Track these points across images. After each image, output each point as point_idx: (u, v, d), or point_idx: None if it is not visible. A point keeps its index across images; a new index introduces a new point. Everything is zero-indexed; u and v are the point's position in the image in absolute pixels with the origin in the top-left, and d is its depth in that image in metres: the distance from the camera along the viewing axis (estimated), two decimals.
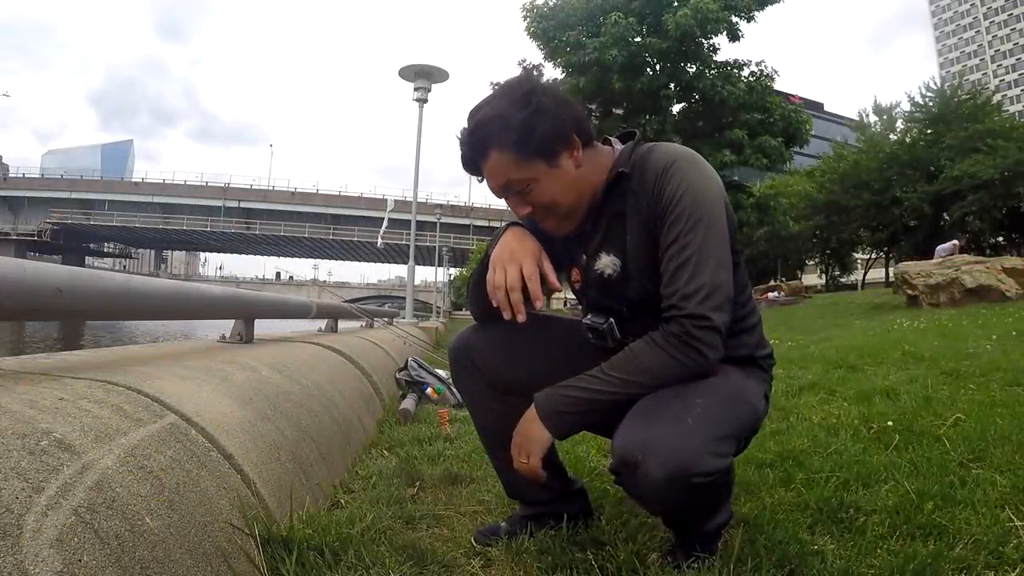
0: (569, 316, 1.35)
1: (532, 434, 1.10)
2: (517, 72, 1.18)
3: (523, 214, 1.14)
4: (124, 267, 66.18)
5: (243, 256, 70.79)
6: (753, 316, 1.22)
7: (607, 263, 1.17)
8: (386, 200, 19.83)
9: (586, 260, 1.20)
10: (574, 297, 1.32)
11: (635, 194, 1.12)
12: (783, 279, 24.25)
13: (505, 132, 1.06)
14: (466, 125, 1.12)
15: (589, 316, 1.23)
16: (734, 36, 17.43)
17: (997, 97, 29.61)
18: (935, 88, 25.63)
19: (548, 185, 1.10)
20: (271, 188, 57.87)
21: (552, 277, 1.13)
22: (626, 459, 0.98)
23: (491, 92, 1.13)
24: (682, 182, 1.06)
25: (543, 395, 1.10)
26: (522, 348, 1.26)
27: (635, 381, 1.04)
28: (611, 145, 1.21)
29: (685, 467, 0.94)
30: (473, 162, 1.12)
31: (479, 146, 1.09)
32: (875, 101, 39.95)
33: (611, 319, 1.19)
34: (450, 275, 38.82)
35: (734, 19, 17.10)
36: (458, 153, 1.14)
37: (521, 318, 1.09)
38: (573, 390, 1.07)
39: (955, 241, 14.17)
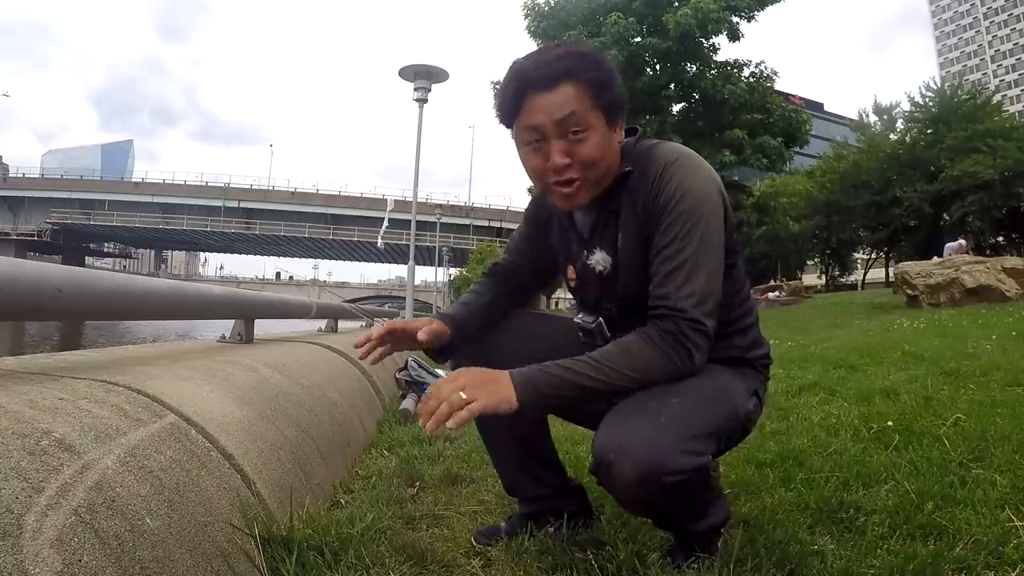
0: (569, 315, 1.35)
1: (495, 387, 0.98)
2: (530, 55, 1.15)
3: (560, 162, 1.05)
4: (124, 267, 66.19)
5: (243, 256, 70.75)
6: (748, 317, 1.21)
7: (599, 259, 1.17)
8: (386, 200, 19.80)
9: (584, 256, 1.21)
10: (572, 296, 1.33)
11: (632, 192, 1.11)
12: (783, 279, 24.22)
13: (592, 71, 1.04)
14: (527, 60, 1.06)
15: (580, 315, 1.23)
16: (734, 36, 17.45)
17: (997, 97, 29.54)
18: (935, 88, 25.62)
19: (600, 141, 1.06)
20: (271, 188, 57.78)
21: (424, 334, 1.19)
22: (601, 459, 0.98)
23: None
24: (681, 183, 1.06)
25: (525, 368, 1.02)
26: (521, 345, 1.27)
27: (623, 373, 1.01)
28: None
29: (656, 466, 0.93)
30: (549, 83, 1.03)
31: (560, 70, 1.03)
32: (875, 101, 39.89)
33: (600, 318, 1.19)
34: (450, 275, 38.80)
35: (734, 19, 17.11)
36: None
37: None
38: (556, 368, 1.01)
39: (962, 240, 14.09)
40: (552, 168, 1.06)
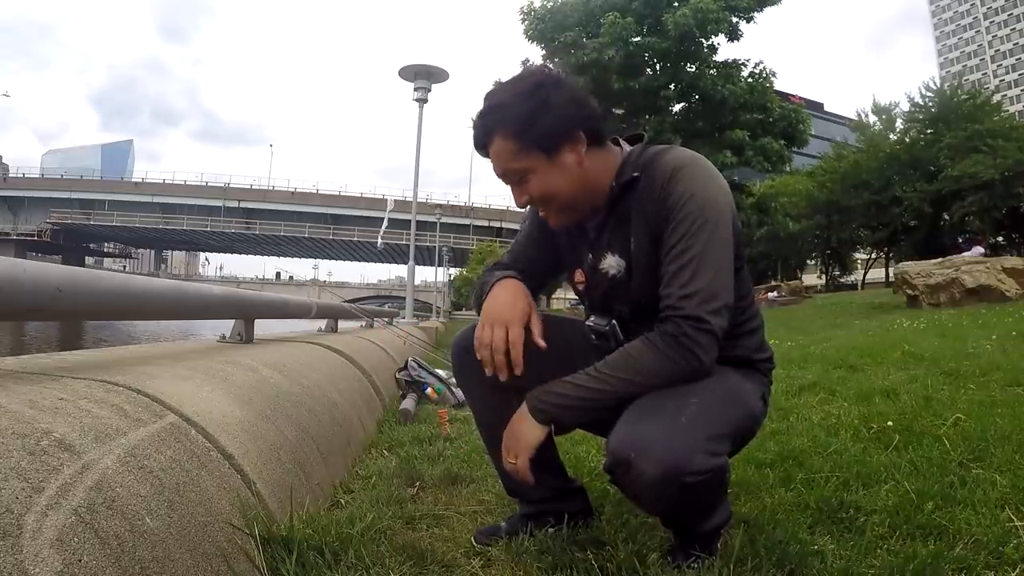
0: (571, 316, 1.35)
1: (522, 432, 1.10)
2: (519, 72, 1.19)
3: (520, 202, 1.16)
4: (124, 267, 66.18)
5: (243, 256, 70.76)
6: (754, 320, 1.23)
7: (612, 263, 1.18)
8: (386, 200, 19.80)
9: (592, 260, 1.21)
10: (576, 298, 1.33)
11: (641, 196, 1.12)
12: (783, 279, 24.20)
13: (507, 121, 1.08)
14: (473, 119, 1.14)
15: (592, 318, 1.23)
16: (733, 36, 17.45)
17: (997, 97, 29.50)
18: (935, 88, 25.60)
19: (545, 178, 1.10)
20: (271, 188, 57.76)
21: (538, 337, 1.14)
22: (620, 458, 0.98)
23: (507, 80, 1.15)
24: (689, 186, 1.07)
25: (537, 392, 1.10)
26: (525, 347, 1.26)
27: (628, 380, 1.04)
28: (619, 146, 1.21)
29: (678, 465, 0.94)
30: (482, 145, 1.14)
31: (485, 130, 1.11)
32: (874, 101, 39.75)
33: (613, 321, 1.19)
34: (450, 275, 38.81)
35: (733, 19, 17.11)
36: (468, 141, 1.19)
37: (503, 377, 1.11)
38: (566, 387, 1.07)
39: (979, 248, 13.95)
40: (519, 206, 1.17)
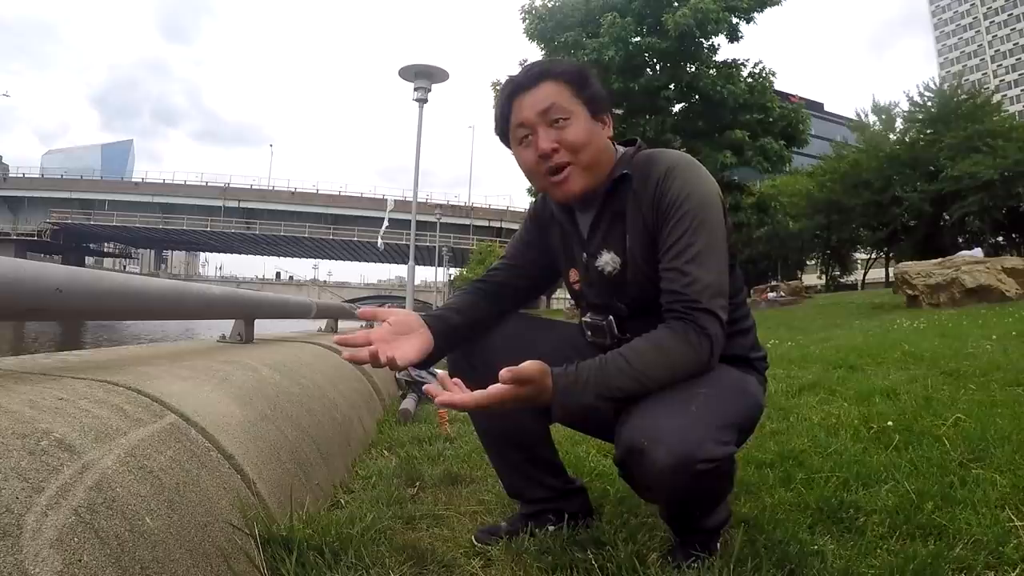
0: (568, 319, 1.35)
1: (526, 406, 0.99)
2: (516, 71, 1.21)
3: (547, 147, 1.10)
4: (123, 267, 66.13)
5: (243, 256, 70.69)
6: (747, 319, 1.24)
7: (607, 260, 1.18)
8: (386, 200, 19.84)
9: (587, 258, 1.22)
10: (571, 300, 1.33)
11: (636, 195, 1.14)
12: (783, 279, 24.20)
13: (565, 70, 1.15)
14: (513, 75, 1.18)
15: (589, 314, 1.24)
16: (733, 36, 17.43)
17: (997, 97, 29.50)
18: (934, 88, 25.58)
19: (584, 126, 1.13)
20: (271, 188, 57.71)
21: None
22: (632, 447, 0.98)
23: None
24: (685, 185, 1.09)
25: (566, 392, 0.99)
26: (520, 349, 1.26)
27: (655, 368, 1.01)
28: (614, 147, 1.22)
29: (690, 453, 0.95)
30: (531, 82, 1.13)
31: (534, 75, 1.13)
32: (874, 100, 39.68)
33: (610, 316, 1.20)
34: (450, 275, 38.83)
35: (734, 20, 17.09)
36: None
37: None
38: (595, 388, 0.99)
39: (978, 250, 13.90)
40: (541, 154, 1.12)
